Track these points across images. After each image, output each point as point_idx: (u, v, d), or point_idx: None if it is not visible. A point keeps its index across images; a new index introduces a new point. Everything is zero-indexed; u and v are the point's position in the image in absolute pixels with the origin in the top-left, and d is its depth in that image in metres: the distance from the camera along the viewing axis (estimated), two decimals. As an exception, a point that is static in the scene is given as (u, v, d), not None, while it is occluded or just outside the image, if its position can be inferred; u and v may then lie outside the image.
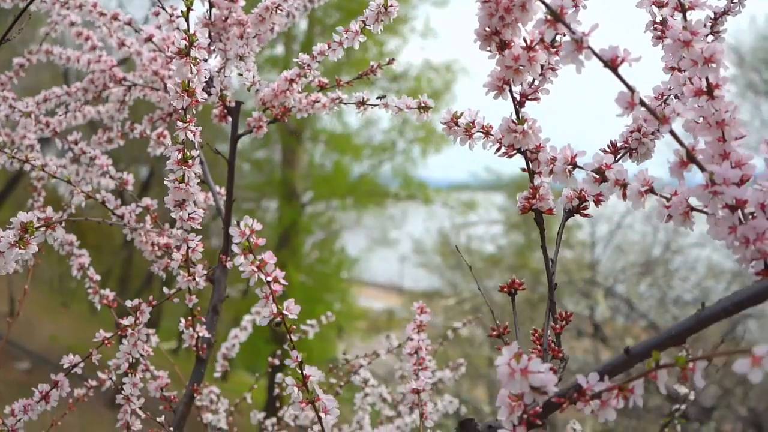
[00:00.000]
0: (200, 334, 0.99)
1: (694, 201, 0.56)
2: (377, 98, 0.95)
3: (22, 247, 0.68)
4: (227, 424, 1.34)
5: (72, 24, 1.21)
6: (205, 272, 0.93)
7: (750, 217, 0.53)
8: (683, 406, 1.13)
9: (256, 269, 0.63)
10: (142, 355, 0.99)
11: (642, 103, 0.52)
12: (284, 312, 0.65)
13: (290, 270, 10.48)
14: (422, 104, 0.87)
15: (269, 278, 0.64)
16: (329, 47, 0.96)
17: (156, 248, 1.05)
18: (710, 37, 0.73)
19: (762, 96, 9.57)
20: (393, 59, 1.03)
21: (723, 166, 0.52)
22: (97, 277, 1.13)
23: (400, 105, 0.89)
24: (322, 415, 0.66)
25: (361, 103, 0.98)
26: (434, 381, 1.50)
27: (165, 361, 1.32)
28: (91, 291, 1.12)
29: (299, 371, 0.67)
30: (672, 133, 0.53)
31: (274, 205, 11.82)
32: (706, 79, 0.55)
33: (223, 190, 1.15)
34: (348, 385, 1.41)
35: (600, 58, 0.52)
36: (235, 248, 0.63)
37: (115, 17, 1.12)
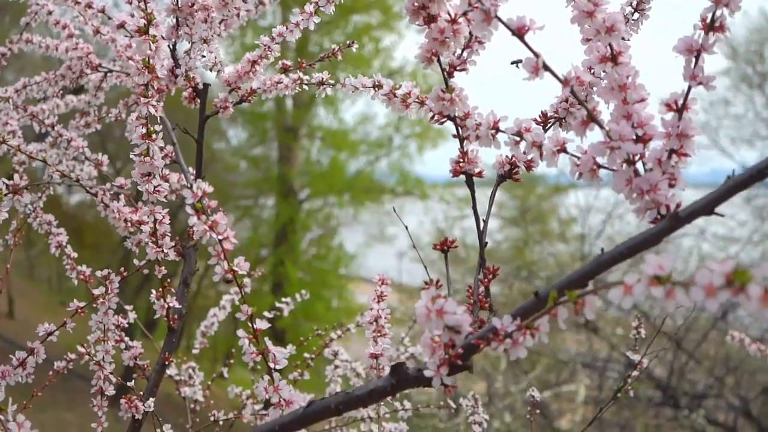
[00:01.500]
0: (171, 305, 1.04)
1: (601, 160, 0.61)
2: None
3: (-8, 213, 0.73)
4: (203, 397, 1.40)
5: (50, 13, 1.26)
6: (173, 244, 0.98)
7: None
8: (636, 373, 1.19)
9: (208, 228, 0.68)
10: (116, 326, 1.05)
11: (546, 68, 0.57)
12: (235, 268, 0.70)
13: (288, 267, 10.54)
14: (376, 83, 0.92)
15: (221, 237, 0.69)
16: (287, 28, 1.01)
17: (129, 225, 1.10)
18: (636, 15, 0.78)
19: (756, 89, 9.61)
20: (354, 42, 1.08)
21: (620, 125, 0.58)
22: (74, 255, 1.18)
23: (356, 84, 0.94)
24: (271, 365, 0.72)
25: (321, 83, 1.04)
26: (407, 356, 1.55)
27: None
28: (68, 267, 1.17)
29: (250, 325, 0.72)
30: (573, 94, 0.58)
31: (271, 202, 11.88)
32: (610, 46, 0.60)
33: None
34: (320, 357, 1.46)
35: (508, 27, 0.57)
36: (188, 209, 0.68)
37: (89, 5, 1.17)
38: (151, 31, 0.79)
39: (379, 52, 11.60)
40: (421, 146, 12.01)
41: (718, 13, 0.58)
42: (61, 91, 1.29)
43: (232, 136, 12.04)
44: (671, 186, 0.58)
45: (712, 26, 0.58)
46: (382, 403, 1.27)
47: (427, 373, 0.61)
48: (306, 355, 1.41)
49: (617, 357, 6.83)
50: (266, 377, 0.73)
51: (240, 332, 0.72)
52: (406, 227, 0.94)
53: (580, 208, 8.03)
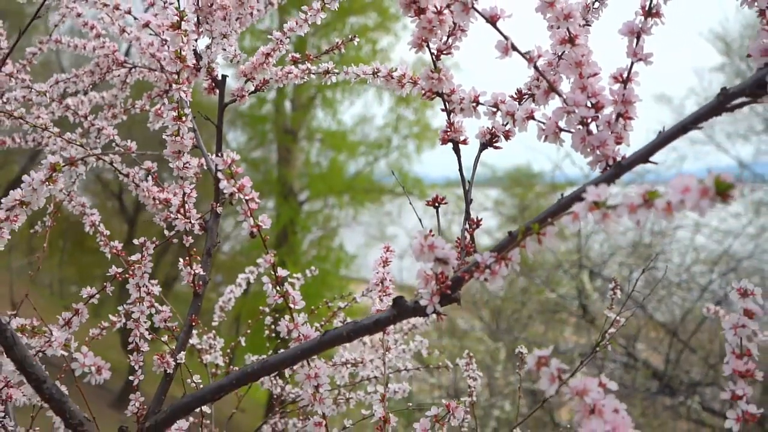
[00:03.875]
0: (197, 272, 1.17)
1: (562, 124, 0.74)
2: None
3: (51, 183, 0.86)
4: (223, 362, 1.53)
5: (79, 15, 1.39)
6: (199, 216, 1.11)
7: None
8: (612, 330, 1.31)
9: (237, 190, 0.82)
10: (147, 293, 1.18)
11: (513, 48, 0.70)
12: (259, 223, 0.84)
13: (289, 268, 10.65)
14: (375, 70, 1.05)
15: (247, 197, 0.82)
16: (296, 23, 1.14)
17: (157, 202, 1.23)
18: (596, 3, 0.91)
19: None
20: (355, 36, 1.21)
21: (576, 94, 0.71)
22: (107, 232, 1.31)
23: (357, 72, 1.07)
24: (291, 305, 0.85)
25: (326, 72, 1.17)
26: (409, 327, 1.68)
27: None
28: (102, 243, 1.30)
29: (273, 272, 0.85)
30: (536, 68, 0.71)
31: (272, 204, 12.00)
32: (568, 30, 0.73)
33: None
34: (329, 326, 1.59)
35: (483, 15, 0.70)
36: (219, 175, 0.81)
37: (116, 7, 1.30)
38: (183, 26, 0.92)
39: (376, 53, 11.74)
40: (419, 146, 12.15)
41: (655, 2, 0.71)
42: (90, 86, 1.42)
43: (232, 140, 12.18)
44: (618, 143, 0.71)
45: (649, 13, 0.71)
46: (387, 365, 1.40)
47: (422, 302, 0.74)
48: (316, 324, 1.54)
49: (615, 348, 6.96)
50: (287, 317, 0.86)
51: (264, 278, 0.85)
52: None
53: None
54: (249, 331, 1.69)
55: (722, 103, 0.64)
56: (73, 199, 1.37)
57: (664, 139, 0.65)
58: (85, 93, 1.57)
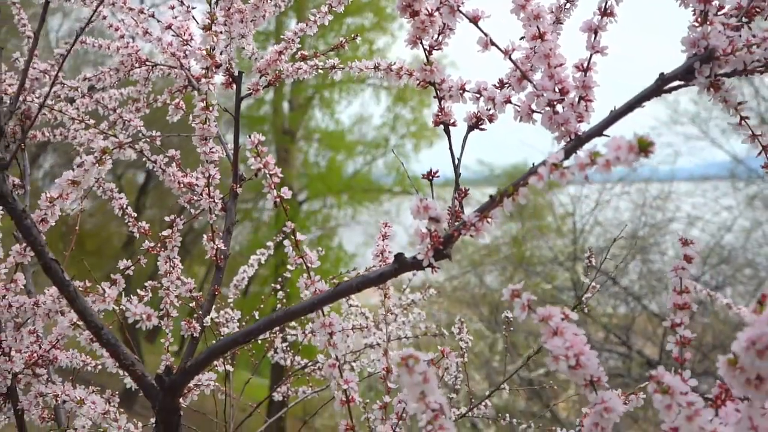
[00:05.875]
0: (219, 247, 1.31)
1: (534, 106, 0.89)
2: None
3: (101, 164, 1.00)
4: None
5: (104, 17, 1.54)
6: (222, 196, 1.25)
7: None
8: (589, 295, 1.46)
9: (262, 166, 0.96)
10: (173, 266, 1.32)
11: (492, 43, 0.85)
12: (282, 194, 0.98)
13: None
14: (376, 64, 1.20)
15: (271, 172, 0.97)
16: (306, 25, 1.29)
17: (181, 185, 1.37)
18: (568, 4, 1.06)
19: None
20: (357, 35, 1.36)
21: (544, 80, 0.85)
22: (134, 214, 1.45)
23: (360, 66, 1.22)
24: (309, 264, 0.99)
25: (333, 67, 1.31)
26: (407, 303, 1.83)
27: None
28: (130, 224, 1.44)
29: (293, 237, 1.00)
30: (511, 60, 0.86)
31: (271, 205, 12.12)
32: (538, 28, 0.88)
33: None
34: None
35: (466, 16, 0.85)
36: (248, 153, 0.96)
37: (141, 11, 1.45)
38: (214, 27, 1.07)
39: (373, 53, 11.89)
40: (417, 145, 12.29)
41: (609, 3, 0.86)
42: (115, 83, 1.57)
43: (230, 140, 12.28)
44: (580, 121, 0.85)
45: (605, 12, 0.86)
46: (390, 334, 1.54)
47: (419, 256, 0.89)
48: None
49: (612, 339, 7.13)
50: (305, 275, 1.00)
51: (286, 242, 0.99)
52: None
53: (572, 197, 8.35)
54: (262, 306, 1.84)
55: (660, 86, 0.79)
56: (102, 185, 1.51)
57: (615, 116, 0.80)
58: (107, 90, 1.71)
